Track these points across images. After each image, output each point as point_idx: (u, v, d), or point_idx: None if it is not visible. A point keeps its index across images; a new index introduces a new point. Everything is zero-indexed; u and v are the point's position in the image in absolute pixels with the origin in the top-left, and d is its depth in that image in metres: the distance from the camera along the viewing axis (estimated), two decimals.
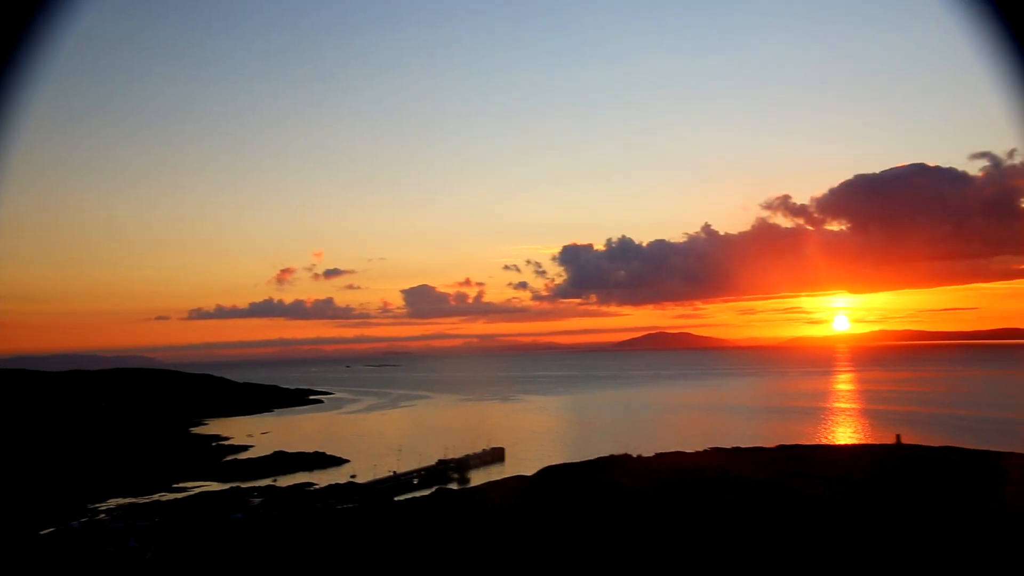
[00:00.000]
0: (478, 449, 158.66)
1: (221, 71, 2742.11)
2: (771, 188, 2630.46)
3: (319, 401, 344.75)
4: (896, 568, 40.01)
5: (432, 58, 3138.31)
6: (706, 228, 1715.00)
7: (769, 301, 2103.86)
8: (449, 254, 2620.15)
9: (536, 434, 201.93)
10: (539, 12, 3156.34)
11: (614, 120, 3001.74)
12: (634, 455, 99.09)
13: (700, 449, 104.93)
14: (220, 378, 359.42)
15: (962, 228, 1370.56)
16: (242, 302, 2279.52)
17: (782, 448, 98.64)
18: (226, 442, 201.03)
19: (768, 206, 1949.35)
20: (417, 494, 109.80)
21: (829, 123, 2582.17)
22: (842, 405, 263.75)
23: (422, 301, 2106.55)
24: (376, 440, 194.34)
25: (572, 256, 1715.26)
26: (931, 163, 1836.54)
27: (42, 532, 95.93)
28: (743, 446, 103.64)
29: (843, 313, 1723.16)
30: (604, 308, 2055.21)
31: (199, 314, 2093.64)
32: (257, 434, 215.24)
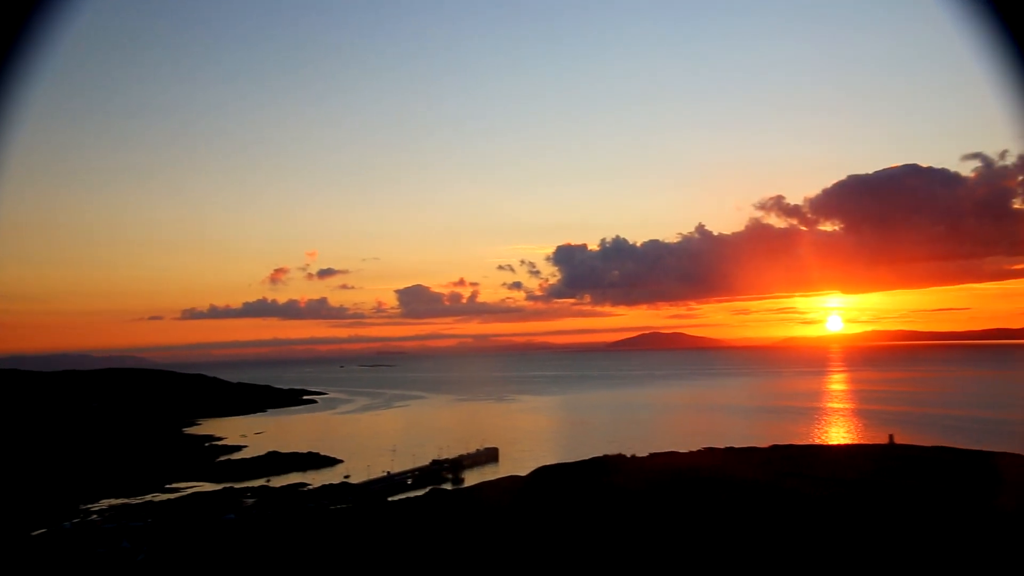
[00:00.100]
0: (472, 449, 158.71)
1: (215, 73, 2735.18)
2: (765, 188, 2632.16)
3: (313, 401, 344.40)
4: (890, 568, 40.12)
5: (425, 60, 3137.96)
6: (700, 228, 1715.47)
7: (763, 301, 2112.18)
8: (443, 254, 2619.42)
9: (530, 434, 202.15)
10: (535, 15, 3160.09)
11: (608, 121, 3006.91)
12: (628, 455, 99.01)
13: (694, 449, 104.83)
14: (213, 378, 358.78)
15: (954, 229, 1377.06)
16: (236, 302, 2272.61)
17: (776, 448, 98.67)
18: (219, 442, 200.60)
19: (762, 206, 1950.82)
20: (411, 494, 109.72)
21: (822, 124, 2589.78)
22: (835, 405, 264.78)
23: (416, 301, 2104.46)
24: (370, 440, 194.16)
25: (566, 256, 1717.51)
26: (924, 164, 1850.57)
27: (34, 533, 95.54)
28: (737, 446, 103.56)
29: (836, 313, 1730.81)
30: (598, 308, 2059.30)
31: (192, 314, 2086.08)
32: (251, 434, 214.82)
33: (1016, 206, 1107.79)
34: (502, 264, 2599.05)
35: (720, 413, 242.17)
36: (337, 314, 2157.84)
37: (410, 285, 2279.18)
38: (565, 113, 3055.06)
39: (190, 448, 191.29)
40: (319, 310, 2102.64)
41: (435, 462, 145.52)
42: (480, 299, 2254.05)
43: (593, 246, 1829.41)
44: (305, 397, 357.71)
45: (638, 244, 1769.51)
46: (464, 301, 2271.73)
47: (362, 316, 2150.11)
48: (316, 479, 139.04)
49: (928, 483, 62.27)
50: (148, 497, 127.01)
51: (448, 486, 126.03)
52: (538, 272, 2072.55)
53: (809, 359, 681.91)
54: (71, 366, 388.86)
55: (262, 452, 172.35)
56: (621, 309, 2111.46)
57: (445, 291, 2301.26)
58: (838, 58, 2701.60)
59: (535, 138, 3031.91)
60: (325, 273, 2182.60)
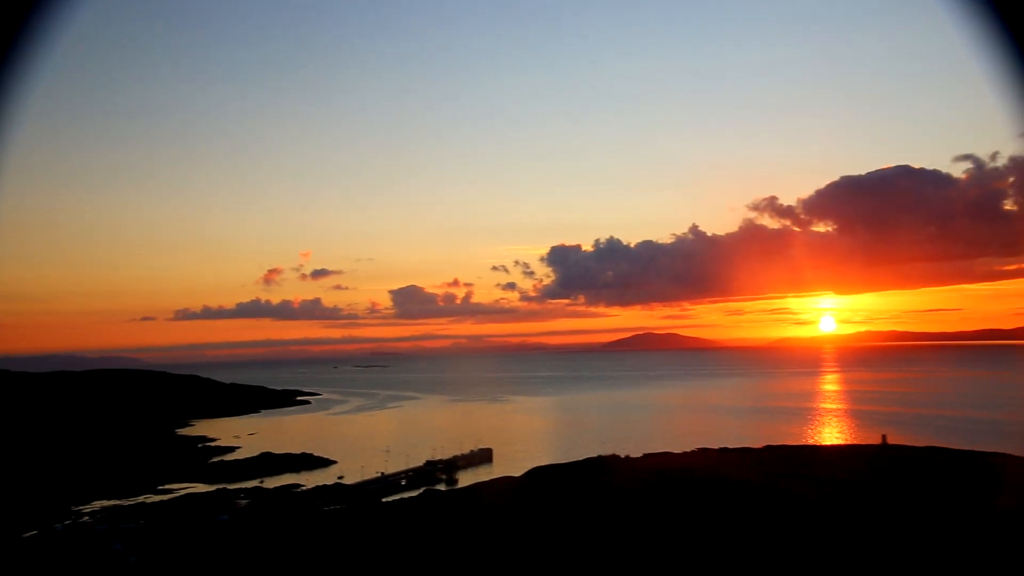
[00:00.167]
0: (466, 450, 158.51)
1: (210, 74, 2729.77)
2: (758, 189, 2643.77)
3: (306, 402, 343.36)
4: (884, 567, 40.26)
5: (419, 62, 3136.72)
6: (694, 229, 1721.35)
7: (756, 302, 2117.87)
8: (437, 255, 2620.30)
9: (524, 435, 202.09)
10: (530, 16, 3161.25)
11: (602, 122, 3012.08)
12: (622, 455, 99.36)
13: (688, 449, 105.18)
14: (207, 379, 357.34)
15: (946, 230, 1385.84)
16: (229, 302, 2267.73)
17: (769, 448, 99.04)
18: (212, 443, 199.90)
19: (755, 207, 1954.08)
20: (405, 495, 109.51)
21: (815, 125, 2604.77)
22: (829, 406, 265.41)
23: (410, 302, 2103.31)
24: (364, 441, 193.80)
25: (560, 257, 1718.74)
26: (916, 165, 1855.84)
27: (25, 535, 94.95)
28: (731, 446, 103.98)
29: (829, 314, 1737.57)
30: (592, 309, 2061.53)
31: (186, 314, 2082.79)
32: (244, 435, 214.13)
33: (1007, 207, 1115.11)
34: (496, 265, 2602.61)
35: (714, 414, 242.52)
36: (331, 315, 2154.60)
37: (404, 286, 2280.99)
38: (559, 114, 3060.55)
39: (183, 449, 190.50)
40: (313, 311, 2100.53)
41: (429, 463, 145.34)
42: (474, 300, 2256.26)
43: (587, 247, 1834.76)
44: (299, 398, 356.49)
45: (632, 245, 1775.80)
46: (458, 302, 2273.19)
47: (356, 317, 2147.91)
48: (310, 480, 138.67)
49: (921, 483, 62.56)
50: (140, 498, 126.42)
51: (442, 487, 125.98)
52: (532, 273, 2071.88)
53: (802, 360, 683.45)
54: (63, 367, 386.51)
55: (255, 453, 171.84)
56: (615, 310, 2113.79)
57: (439, 292, 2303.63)
58: (831, 60, 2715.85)
59: (529, 139, 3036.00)
60: (319, 274, 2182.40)
